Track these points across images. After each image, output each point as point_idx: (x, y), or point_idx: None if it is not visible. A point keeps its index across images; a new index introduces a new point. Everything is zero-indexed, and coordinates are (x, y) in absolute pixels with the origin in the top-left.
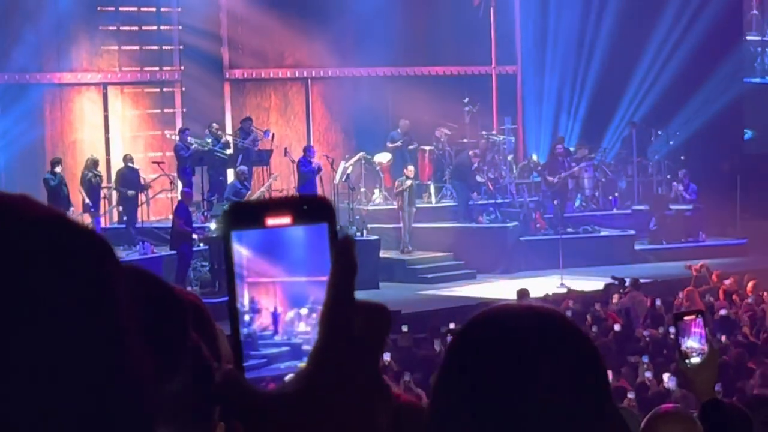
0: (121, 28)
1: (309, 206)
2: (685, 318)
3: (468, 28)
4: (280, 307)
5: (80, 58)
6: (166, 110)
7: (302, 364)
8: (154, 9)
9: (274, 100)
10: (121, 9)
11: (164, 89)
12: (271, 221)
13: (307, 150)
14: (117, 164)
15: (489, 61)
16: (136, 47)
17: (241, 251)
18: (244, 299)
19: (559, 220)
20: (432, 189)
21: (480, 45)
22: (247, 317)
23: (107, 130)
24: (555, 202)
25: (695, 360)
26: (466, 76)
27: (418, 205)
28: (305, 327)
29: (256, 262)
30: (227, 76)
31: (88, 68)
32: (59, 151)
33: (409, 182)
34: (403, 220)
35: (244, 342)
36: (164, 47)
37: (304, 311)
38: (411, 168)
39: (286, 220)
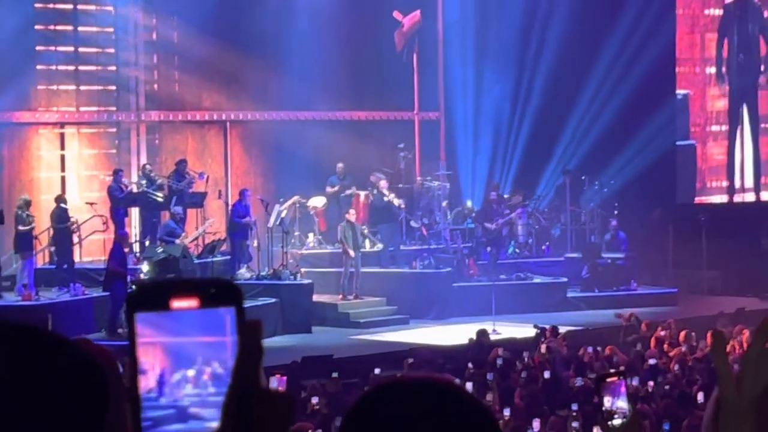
0: (80, 68)
1: (217, 289)
2: (608, 379)
3: (391, 73)
4: (165, 369)
5: (38, 97)
6: (122, 151)
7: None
8: (113, 49)
9: (191, 143)
10: (80, 50)
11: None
12: (176, 303)
13: (243, 195)
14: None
15: (412, 107)
16: (95, 87)
17: (144, 332)
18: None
19: (494, 267)
20: (365, 234)
21: (403, 91)
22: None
23: (63, 169)
24: (489, 249)
25: (617, 422)
26: (389, 122)
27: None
28: (192, 389)
29: (155, 325)
30: (143, 118)
31: (45, 107)
32: (16, 190)
33: (348, 225)
34: (346, 265)
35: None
36: (110, 87)
37: (191, 373)
38: (352, 212)
39: (192, 302)
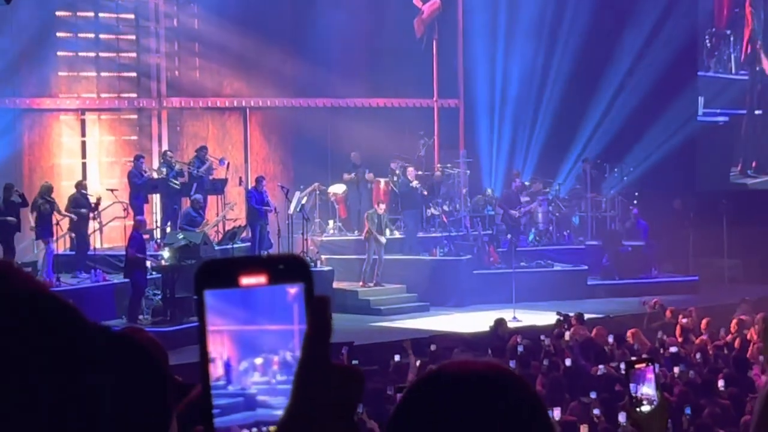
0: (100, 54)
1: (285, 265)
2: (637, 366)
3: (410, 60)
4: (232, 357)
5: (59, 83)
6: (143, 138)
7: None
8: (133, 36)
9: (212, 130)
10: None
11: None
12: (245, 280)
13: (259, 181)
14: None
15: (431, 94)
16: (116, 73)
17: (211, 304)
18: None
19: (514, 255)
20: (388, 223)
21: (422, 78)
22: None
23: (84, 156)
24: (509, 236)
25: (645, 408)
26: (408, 109)
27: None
28: (260, 377)
29: (222, 312)
30: (164, 105)
31: (66, 94)
32: (37, 176)
33: (376, 214)
34: (369, 252)
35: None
36: (131, 74)
37: (258, 361)
38: (382, 206)
39: (261, 279)
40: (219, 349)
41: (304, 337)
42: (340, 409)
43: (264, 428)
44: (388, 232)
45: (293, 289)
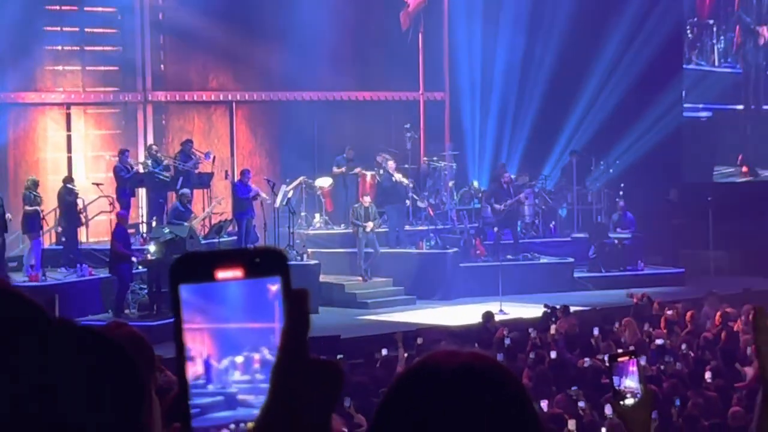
0: (86, 48)
1: (262, 259)
2: (620, 359)
3: (396, 53)
4: (213, 355)
5: (44, 77)
6: (129, 132)
7: (241, 416)
8: (119, 30)
9: (198, 123)
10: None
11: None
12: (221, 274)
13: (244, 174)
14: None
15: (417, 87)
16: (101, 67)
17: (189, 300)
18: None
19: (500, 248)
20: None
21: (408, 71)
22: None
23: (69, 150)
24: (495, 229)
25: (629, 401)
26: (394, 102)
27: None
28: (240, 376)
29: (201, 310)
30: (149, 98)
31: (51, 87)
32: (22, 171)
33: (362, 207)
34: (360, 246)
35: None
36: (117, 68)
37: (239, 359)
38: (368, 198)
39: (237, 273)
40: (199, 348)
41: (282, 331)
42: (318, 404)
43: (242, 425)
44: (376, 222)
45: (274, 286)
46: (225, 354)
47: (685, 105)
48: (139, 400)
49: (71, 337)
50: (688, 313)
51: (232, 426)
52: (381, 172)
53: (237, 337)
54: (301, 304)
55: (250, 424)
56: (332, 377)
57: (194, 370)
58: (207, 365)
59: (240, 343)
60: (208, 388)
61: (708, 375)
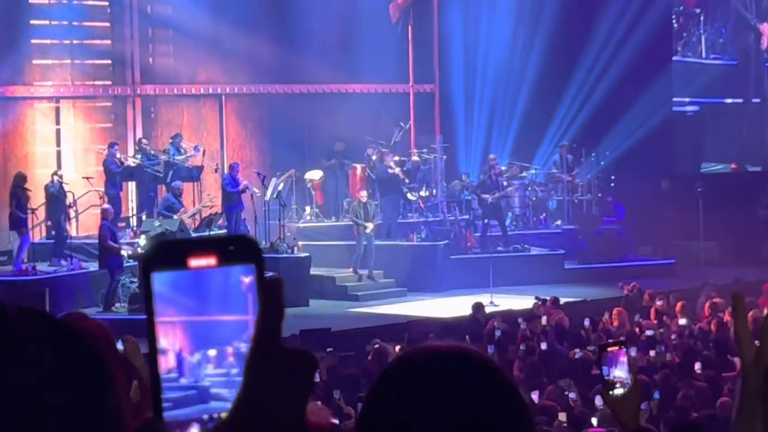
0: (74, 41)
1: (236, 246)
2: (609, 349)
3: (386, 45)
4: (185, 348)
5: (33, 71)
6: (118, 125)
7: (214, 408)
8: (108, 23)
9: (187, 117)
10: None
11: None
12: (194, 262)
13: (233, 168)
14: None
15: (407, 79)
16: (90, 61)
17: (161, 292)
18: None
19: (489, 239)
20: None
21: (398, 63)
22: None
23: (58, 144)
24: (485, 221)
25: (618, 391)
26: (384, 94)
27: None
28: (213, 369)
29: (174, 302)
30: (138, 92)
31: (40, 81)
32: (11, 165)
33: (360, 204)
34: (359, 241)
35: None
36: (105, 61)
37: (212, 353)
38: (364, 193)
39: (211, 261)
40: (171, 341)
41: (256, 320)
42: (292, 394)
43: (215, 415)
44: (376, 220)
45: (248, 278)
46: (198, 347)
47: (675, 99)
48: (100, 382)
49: (31, 325)
50: (678, 304)
51: (205, 416)
52: (372, 164)
53: (210, 330)
54: (275, 293)
55: (223, 415)
56: (306, 367)
57: (166, 363)
58: (179, 359)
59: (213, 337)
60: (180, 381)
61: (698, 366)
